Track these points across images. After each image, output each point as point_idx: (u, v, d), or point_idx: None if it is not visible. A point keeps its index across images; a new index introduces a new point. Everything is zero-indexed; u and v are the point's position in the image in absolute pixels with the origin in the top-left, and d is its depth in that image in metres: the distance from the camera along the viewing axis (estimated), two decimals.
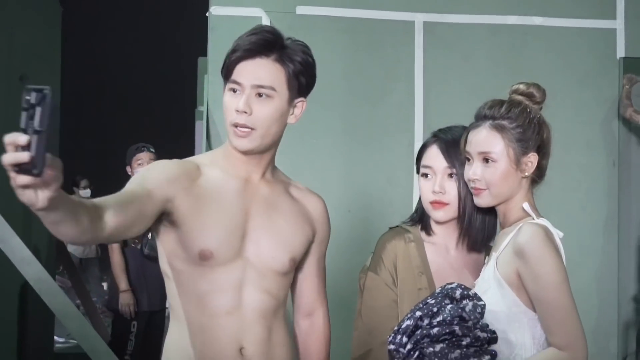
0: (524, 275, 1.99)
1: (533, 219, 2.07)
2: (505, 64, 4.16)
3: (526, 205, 2.09)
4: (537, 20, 4.21)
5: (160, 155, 5.07)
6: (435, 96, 4.14)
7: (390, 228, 2.40)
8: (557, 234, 2.06)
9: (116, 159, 4.93)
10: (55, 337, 7.35)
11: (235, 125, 2.00)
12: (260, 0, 4.06)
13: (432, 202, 2.26)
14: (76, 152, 9.37)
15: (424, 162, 2.29)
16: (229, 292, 2.03)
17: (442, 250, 2.31)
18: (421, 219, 2.34)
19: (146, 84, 8.87)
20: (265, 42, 1.97)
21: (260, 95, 1.98)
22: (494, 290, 2.05)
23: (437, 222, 2.30)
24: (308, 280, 2.25)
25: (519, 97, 2.14)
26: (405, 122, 4.17)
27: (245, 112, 1.97)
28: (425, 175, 2.29)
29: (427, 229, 2.32)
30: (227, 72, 2.03)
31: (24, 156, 1.38)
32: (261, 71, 1.98)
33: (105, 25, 9.11)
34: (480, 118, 2.15)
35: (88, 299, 7.49)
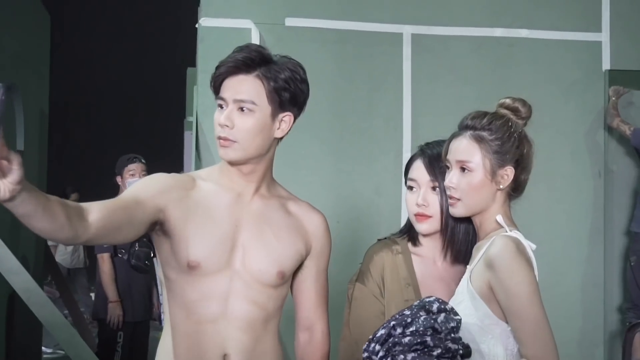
0: (495, 287, 2.01)
1: (506, 231, 2.08)
2: (491, 75, 4.20)
3: (499, 218, 2.11)
4: (523, 33, 4.25)
5: (150, 165, 5.10)
6: (422, 107, 4.18)
7: (379, 240, 2.44)
8: (530, 246, 2.08)
9: (104, 169, 4.94)
10: (43, 348, 7.32)
11: (219, 138, 2.07)
12: (250, 12, 4.08)
13: (415, 215, 2.31)
14: (65, 162, 9.35)
15: (409, 175, 2.34)
16: (215, 301, 2.07)
17: (429, 261, 2.35)
18: (408, 230, 2.39)
19: (135, 94, 8.87)
20: (248, 60, 2.04)
21: (242, 109, 2.05)
22: (467, 303, 2.07)
23: (422, 235, 2.34)
24: (305, 294, 2.28)
25: (504, 111, 2.17)
26: (393, 132, 4.20)
27: (227, 126, 2.04)
28: (411, 188, 2.34)
29: (414, 241, 2.37)
30: (214, 88, 2.11)
31: None
32: (242, 86, 2.05)
33: (94, 34, 9.12)
34: (462, 127, 2.18)
35: (76, 309, 7.46)
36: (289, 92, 2.07)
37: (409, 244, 2.37)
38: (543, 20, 4.29)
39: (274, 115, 2.08)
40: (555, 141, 4.19)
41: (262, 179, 2.16)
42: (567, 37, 4.29)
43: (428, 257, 2.35)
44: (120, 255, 5.03)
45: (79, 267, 9.76)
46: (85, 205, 1.81)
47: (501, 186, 2.12)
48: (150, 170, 4.67)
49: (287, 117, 2.11)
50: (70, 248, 9.55)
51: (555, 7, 4.31)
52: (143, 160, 5.08)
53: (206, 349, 2.06)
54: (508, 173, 2.12)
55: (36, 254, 6.36)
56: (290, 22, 4.12)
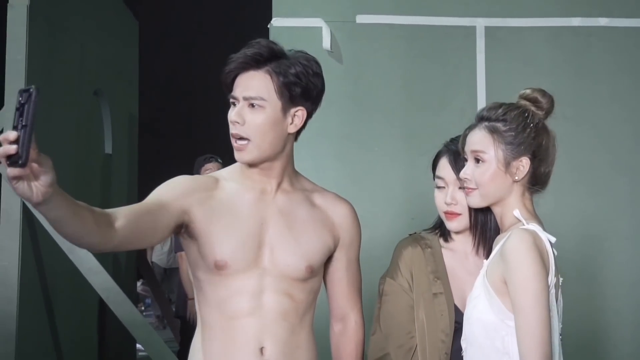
0: (507, 280, 1.98)
1: (523, 224, 2.04)
2: (568, 67, 4.08)
3: (516, 212, 2.08)
4: (602, 22, 4.11)
5: (227, 165, 5.17)
6: (497, 101, 4.09)
7: (410, 235, 2.45)
8: (548, 239, 2.03)
9: (190, 169, 5.04)
10: (138, 345, 7.52)
11: (232, 136, 2.08)
12: (320, 11, 4.08)
13: (445, 213, 2.30)
14: (155, 165, 9.59)
15: (437, 173, 2.35)
16: (247, 297, 2.09)
17: (461, 256, 2.35)
18: (440, 226, 2.38)
19: (216, 95, 9.01)
20: (257, 55, 2.06)
21: (252, 105, 2.05)
22: (482, 297, 2.04)
23: (454, 232, 2.32)
24: (337, 285, 2.30)
25: (523, 102, 2.15)
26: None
27: (238, 122, 2.04)
28: (439, 186, 2.31)
29: (445, 237, 2.36)
30: (226, 86, 2.13)
31: (12, 149, 1.50)
32: (251, 83, 2.07)
33: (180, 41, 9.37)
34: (478, 119, 2.17)
35: (169, 308, 7.65)
36: (300, 86, 2.07)
37: (441, 240, 2.37)
38: (623, 8, 4.12)
39: (285, 110, 2.08)
40: (636, 134, 4.04)
41: (282, 173, 2.17)
42: None
43: (460, 252, 2.35)
44: None
45: (175, 267, 9.95)
46: (111, 211, 1.85)
47: (516, 177, 2.09)
48: None
49: (299, 111, 2.11)
50: (166, 248, 9.75)
51: None
52: (220, 160, 5.16)
53: (242, 343, 2.08)
54: (523, 164, 2.08)
55: (128, 255, 6.54)
56: (361, 19, 4.10)
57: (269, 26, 4.14)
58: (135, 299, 7.83)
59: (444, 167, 2.34)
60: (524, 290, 1.94)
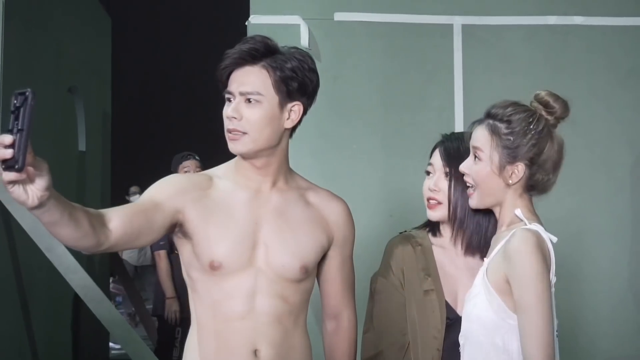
0: (510, 279, 1.98)
1: (526, 224, 2.04)
2: (545, 65, 4.10)
3: (518, 212, 2.07)
4: (578, 20, 4.14)
5: (205, 163, 5.16)
6: (475, 99, 4.10)
7: (400, 233, 2.46)
8: (550, 239, 2.04)
9: (165, 166, 5.02)
10: (111, 344, 7.48)
11: (228, 132, 2.06)
12: (298, 8, 4.07)
13: (428, 199, 2.32)
14: (128, 161, 9.53)
15: (430, 161, 2.36)
16: (241, 299, 2.07)
17: (451, 252, 2.36)
18: (429, 222, 2.39)
19: (191, 92, 8.99)
20: (253, 50, 2.05)
21: (249, 100, 2.05)
22: (482, 296, 2.05)
23: (431, 221, 2.36)
24: (331, 284, 2.29)
25: (535, 104, 2.11)
26: (445, 126, 4.12)
27: (235, 118, 2.03)
28: (428, 172, 2.38)
29: (434, 232, 2.37)
30: (221, 82, 2.10)
31: (7, 153, 1.47)
32: (247, 78, 2.05)
33: (153, 37, 9.31)
34: (486, 114, 2.15)
35: (142, 306, 7.62)
36: (297, 81, 2.06)
37: (430, 235, 2.39)
38: (599, 6, 4.16)
39: (282, 105, 2.07)
40: (614, 130, 4.09)
41: (277, 172, 2.15)
42: (625, 23, 4.16)
43: (449, 248, 2.36)
44: (176, 252, 5.10)
45: (146, 264, 9.93)
46: (105, 211, 1.83)
47: (510, 182, 2.07)
48: (205, 167, 4.73)
49: (296, 106, 2.10)
50: None
51: None
52: (197, 157, 5.15)
53: (236, 346, 2.07)
54: (519, 170, 2.07)
55: (102, 253, 6.49)
56: (339, 16, 4.10)
57: (246, 23, 4.12)
58: (108, 297, 7.78)
59: (435, 155, 2.36)
60: (529, 291, 1.95)
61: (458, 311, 2.30)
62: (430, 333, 2.26)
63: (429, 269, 2.33)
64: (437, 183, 2.32)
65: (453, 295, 2.32)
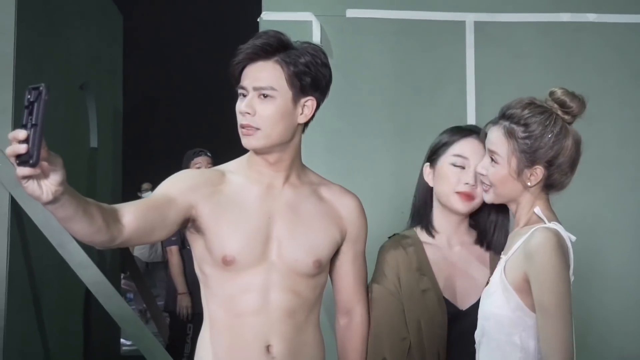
0: (531, 279, 1.96)
1: (545, 223, 2.02)
2: (558, 62, 4.09)
3: (538, 210, 2.05)
4: (591, 17, 4.13)
5: (218, 159, 5.16)
6: (487, 96, 4.10)
7: (389, 237, 2.45)
8: (569, 238, 2.03)
9: (177, 163, 5.03)
10: (122, 340, 7.50)
11: (242, 127, 2.06)
12: (310, 5, 4.07)
13: (461, 193, 2.29)
14: (140, 158, 9.55)
15: (460, 152, 2.31)
16: (254, 294, 2.07)
17: (444, 248, 2.36)
18: (422, 219, 2.38)
19: (203, 88, 9.01)
20: (266, 45, 2.04)
21: (264, 96, 2.04)
22: (499, 294, 2.03)
23: (459, 214, 2.33)
24: (343, 279, 2.28)
25: (550, 103, 2.06)
26: (457, 122, 4.09)
27: (249, 113, 2.03)
28: (458, 165, 2.32)
29: (428, 229, 2.36)
30: (234, 77, 2.10)
31: (22, 148, 1.47)
32: (261, 73, 2.05)
33: (164, 35, 9.32)
34: (500, 115, 2.11)
35: (153, 302, 7.63)
36: (310, 76, 2.06)
37: (421, 234, 2.38)
38: (611, 4, 4.14)
39: (295, 100, 2.07)
40: (626, 128, 4.07)
41: (290, 167, 2.15)
42: (638, 20, 4.15)
43: (442, 244, 2.37)
44: (188, 247, 5.11)
45: (157, 261, 9.95)
46: (119, 206, 1.83)
47: (529, 184, 2.05)
48: (217, 163, 4.75)
49: (309, 101, 2.10)
50: None
51: None
52: (209, 154, 5.15)
53: (249, 341, 2.06)
54: (537, 173, 2.04)
55: (113, 249, 6.51)
56: (351, 13, 4.10)
57: (258, 20, 4.12)
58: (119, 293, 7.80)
59: (476, 148, 2.31)
60: (550, 293, 1.93)
61: (458, 305, 2.31)
62: (435, 331, 2.26)
63: (423, 268, 2.32)
64: (487, 167, 2.26)
65: (451, 290, 2.32)
